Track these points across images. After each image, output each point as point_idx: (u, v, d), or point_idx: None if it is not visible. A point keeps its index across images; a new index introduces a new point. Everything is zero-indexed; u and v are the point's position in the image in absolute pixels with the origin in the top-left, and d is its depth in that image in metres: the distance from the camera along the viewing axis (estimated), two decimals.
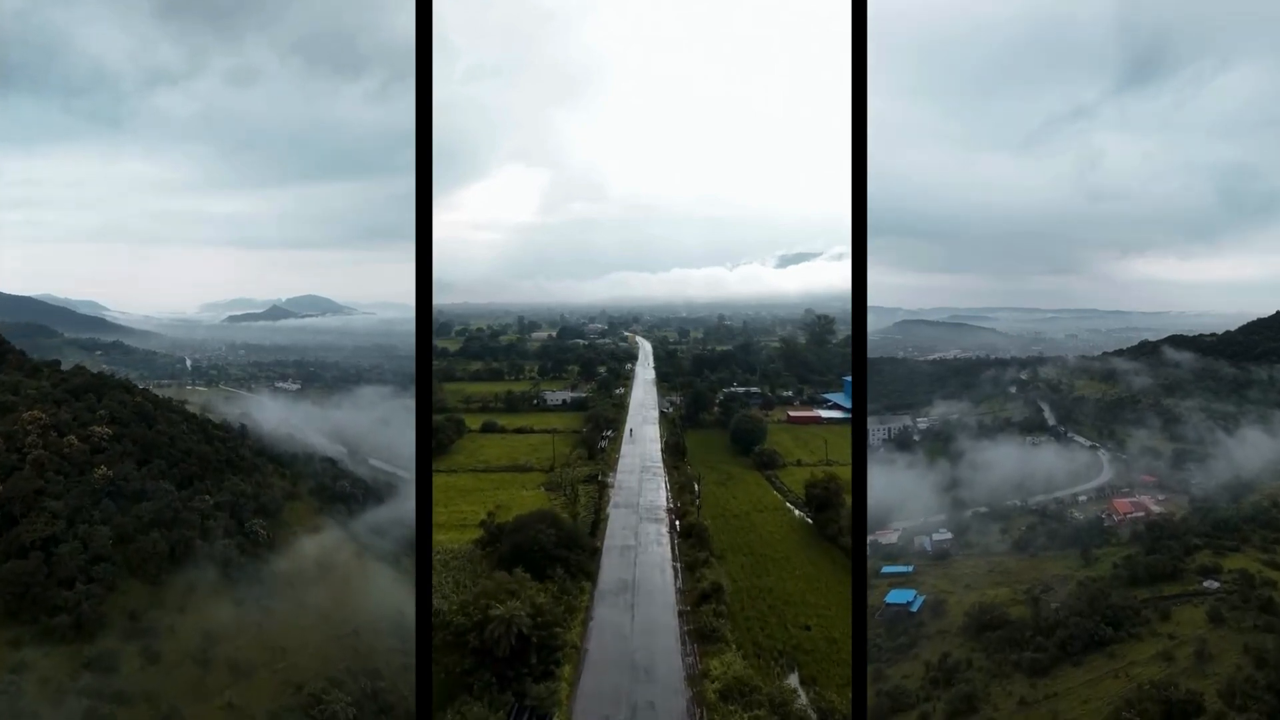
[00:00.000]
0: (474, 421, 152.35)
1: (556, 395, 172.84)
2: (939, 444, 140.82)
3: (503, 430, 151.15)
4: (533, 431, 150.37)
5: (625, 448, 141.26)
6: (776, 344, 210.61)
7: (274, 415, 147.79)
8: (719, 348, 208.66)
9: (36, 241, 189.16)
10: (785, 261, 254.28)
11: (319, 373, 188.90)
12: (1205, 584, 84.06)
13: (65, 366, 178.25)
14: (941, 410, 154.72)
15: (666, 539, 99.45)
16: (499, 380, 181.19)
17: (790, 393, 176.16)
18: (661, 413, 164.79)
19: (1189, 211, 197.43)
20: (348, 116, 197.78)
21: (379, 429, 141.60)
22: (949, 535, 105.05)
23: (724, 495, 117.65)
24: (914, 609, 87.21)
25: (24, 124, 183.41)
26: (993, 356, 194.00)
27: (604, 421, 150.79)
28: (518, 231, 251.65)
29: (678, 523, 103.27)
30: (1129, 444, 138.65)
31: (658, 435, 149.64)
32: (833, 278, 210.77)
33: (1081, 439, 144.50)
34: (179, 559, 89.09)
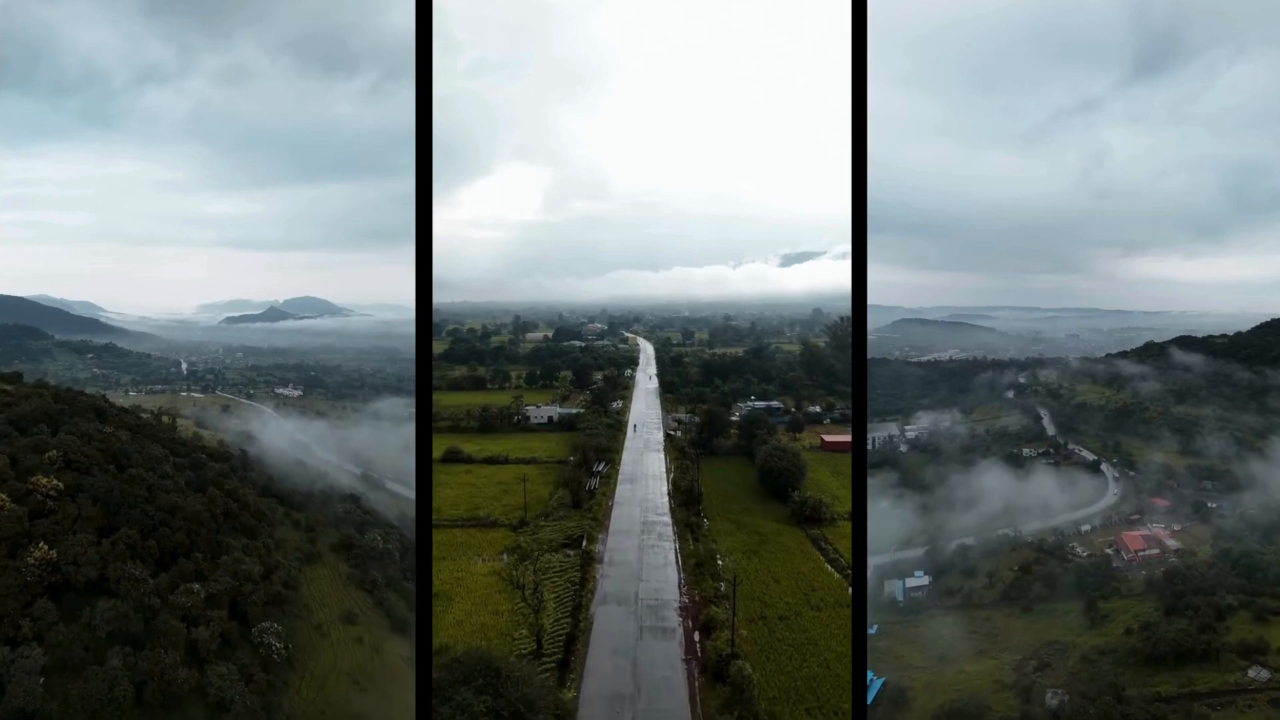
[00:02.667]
0: (438, 447, 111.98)
1: (541, 411, 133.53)
2: (925, 458, 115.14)
3: (469, 460, 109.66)
4: (507, 462, 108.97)
5: (623, 489, 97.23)
6: (790, 344, 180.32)
7: (280, 435, 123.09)
8: (727, 351, 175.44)
9: (32, 242, 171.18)
10: (789, 260, 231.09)
11: (321, 377, 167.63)
12: (1251, 673, 58.20)
13: (54, 370, 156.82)
14: (931, 419, 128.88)
15: (682, 674, 55.24)
16: (480, 390, 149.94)
17: (819, 408, 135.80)
18: (667, 434, 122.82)
19: (1195, 209, 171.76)
20: (342, 116, 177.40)
21: (390, 443, 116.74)
22: (925, 580, 79.52)
23: (759, 574, 71.82)
24: (868, 700, 61.82)
25: (15, 123, 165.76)
26: (990, 357, 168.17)
27: (594, 453, 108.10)
28: (520, 229, 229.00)
29: (698, 639, 60.04)
30: (1137, 458, 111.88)
31: (663, 469, 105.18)
32: (837, 276, 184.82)
33: (1084, 451, 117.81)
34: (150, 705, 52.06)
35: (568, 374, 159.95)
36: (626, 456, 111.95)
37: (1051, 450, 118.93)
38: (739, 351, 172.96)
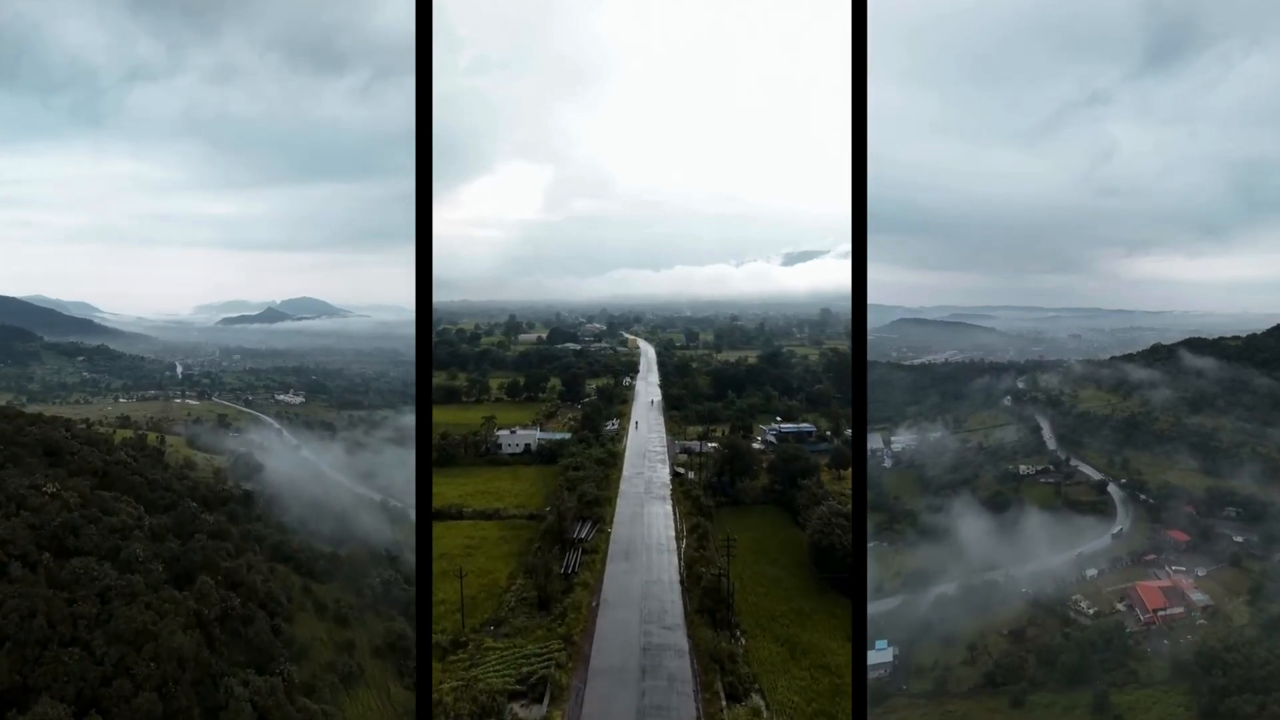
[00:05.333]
0: None
1: (517, 438, 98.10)
2: (908, 477, 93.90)
3: None
4: (460, 517, 74.75)
5: (613, 572, 60.52)
6: (802, 347, 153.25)
7: (290, 462, 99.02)
8: (735, 356, 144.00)
9: (26, 242, 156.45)
10: (792, 259, 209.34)
11: (323, 382, 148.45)
12: None
13: (41, 375, 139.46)
14: (919, 431, 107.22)
15: None
16: (453, 403, 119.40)
17: None
18: (675, 473, 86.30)
19: (1201, 207, 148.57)
20: (336, 115, 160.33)
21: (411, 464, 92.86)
22: (890, 655, 58.43)
23: None
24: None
25: (6, 121, 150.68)
26: (989, 360, 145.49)
27: (575, 514, 70.96)
28: (520, 228, 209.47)
29: None
30: (1148, 478, 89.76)
31: (671, 533, 68.16)
32: (840, 276, 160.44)
33: (1088, 469, 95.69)
34: None
35: (556, 383, 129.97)
36: (622, 507, 75.34)
37: (1052, 468, 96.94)
38: (751, 357, 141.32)
